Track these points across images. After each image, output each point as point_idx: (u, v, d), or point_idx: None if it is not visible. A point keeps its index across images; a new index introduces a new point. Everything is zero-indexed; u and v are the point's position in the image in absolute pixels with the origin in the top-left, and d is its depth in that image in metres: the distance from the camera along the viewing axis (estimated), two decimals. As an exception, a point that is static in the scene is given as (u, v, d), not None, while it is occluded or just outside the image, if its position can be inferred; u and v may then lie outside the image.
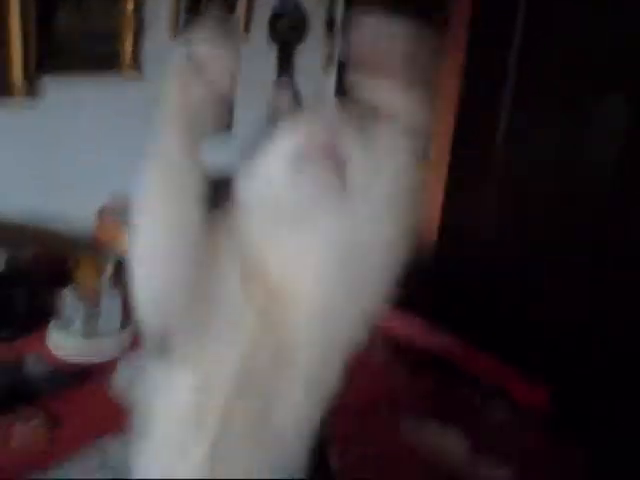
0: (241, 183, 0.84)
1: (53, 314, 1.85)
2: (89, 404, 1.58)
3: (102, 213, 2.22)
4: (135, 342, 1.80)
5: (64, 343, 1.76)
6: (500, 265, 2.33)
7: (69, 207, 2.22)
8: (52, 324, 1.82)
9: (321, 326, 0.87)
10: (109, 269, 2.04)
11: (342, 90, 0.95)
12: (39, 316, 1.83)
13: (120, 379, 1.63)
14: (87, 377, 1.65)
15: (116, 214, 2.21)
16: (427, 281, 1.99)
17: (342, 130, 0.78)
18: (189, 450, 0.89)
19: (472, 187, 2.55)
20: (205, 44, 0.76)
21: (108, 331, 1.78)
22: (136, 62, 2.35)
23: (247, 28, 2.62)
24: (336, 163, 0.76)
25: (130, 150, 2.24)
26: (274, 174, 0.79)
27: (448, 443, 1.55)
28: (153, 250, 0.83)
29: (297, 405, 0.90)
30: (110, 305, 1.77)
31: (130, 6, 2.28)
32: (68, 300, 1.78)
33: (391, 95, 0.75)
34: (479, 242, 2.44)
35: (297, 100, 0.91)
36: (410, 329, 2.01)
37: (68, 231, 2.22)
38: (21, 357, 1.71)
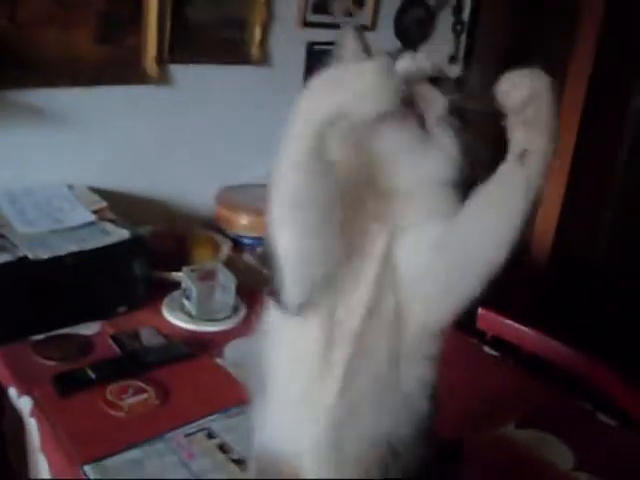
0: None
1: (170, 289, 1.88)
2: (200, 377, 1.59)
3: (221, 195, 2.25)
4: (248, 320, 1.81)
5: (179, 318, 1.78)
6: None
7: (191, 187, 2.27)
8: (168, 299, 1.85)
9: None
10: (225, 248, 2.06)
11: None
12: (156, 291, 1.86)
13: (232, 353, 1.63)
14: (199, 350, 1.66)
15: (234, 196, 2.24)
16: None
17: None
18: (314, 403, 0.92)
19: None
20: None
21: (222, 308, 1.80)
22: (264, 50, 2.36)
23: (374, 24, 2.60)
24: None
25: (253, 136, 2.30)
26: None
27: (554, 453, 1.47)
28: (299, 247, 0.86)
29: (417, 364, 0.94)
30: (226, 283, 1.78)
31: (262, -5, 2.30)
32: (185, 276, 1.80)
33: (538, 139, 0.77)
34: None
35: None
36: (519, 334, 1.95)
37: (188, 210, 2.27)
38: (137, 329, 1.74)
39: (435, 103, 0.82)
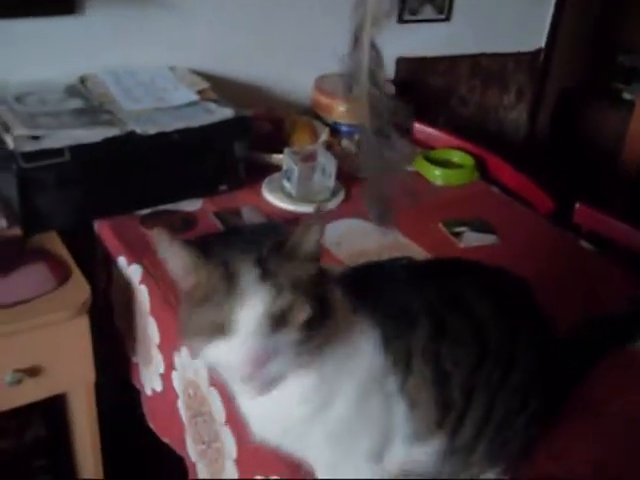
0: None
1: (268, 172, 1.90)
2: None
3: (320, 82, 2.24)
4: (346, 203, 1.82)
5: (278, 198, 1.80)
6: None
7: (289, 73, 2.26)
8: (268, 180, 1.87)
9: None
10: (324, 134, 2.06)
11: None
12: (255, 172, 1.88)
13: (332, 233, 1.65)
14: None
15: (333, 84, 2.22)
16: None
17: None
18: None
19: None
20: None
21: (322, 190, 1.81)
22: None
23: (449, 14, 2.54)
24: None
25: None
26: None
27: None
28: None
29: None
30: (326, 166, 1.79)
31: None
32: (286, 157, 1.81)
33: None
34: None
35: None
36: (614, 229, 1.91)
37: (286, 96, 2.27)
38: (239, 208, 1.77)
39: None
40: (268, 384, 0.82)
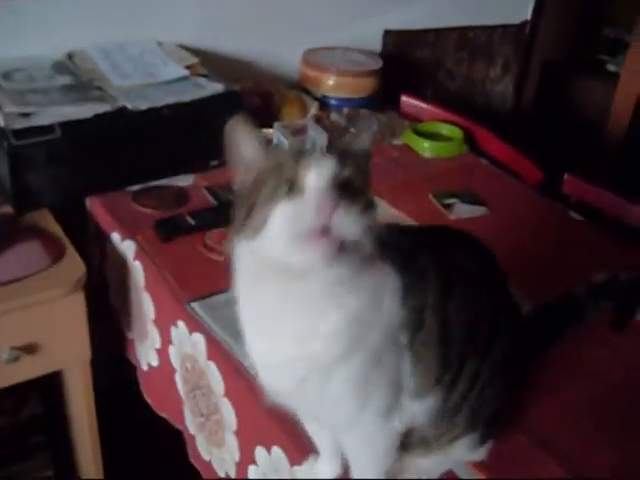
0: None
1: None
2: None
3: (308, 55, 2.23)
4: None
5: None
6: None
7: (277, 48, 2.26)
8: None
9: None
10: (313, 108, 2.06)
11: None
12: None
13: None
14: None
15: (321, 58, 2.23)
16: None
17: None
18: None
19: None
20: None
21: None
22: None
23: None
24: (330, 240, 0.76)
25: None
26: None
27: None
28: None
29: None
30: (317, 139, 1.79)
31: None
32: (276, 131, 1.81)
33: None
34: None
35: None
36: (602, 199, 1.94)
37: (275, 70, 2.26)
38: (229, 182, 1.77)
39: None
40: (334, 247, 0.76)
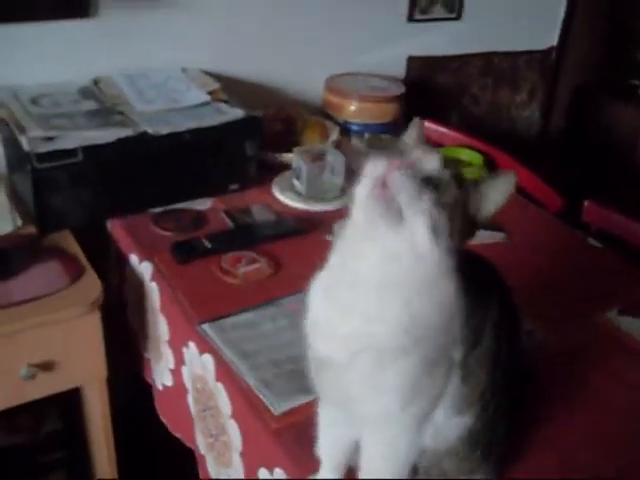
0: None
1: (279, 170, 1.93)
2: (310, 251, 1.64)
3: (330, 81, 2.27)
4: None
5: (288, 197, 1.83)
6: None
7: (300, 73, 2.30)
8: (278, 179, 1.91)
9: None
10: (334, 133, 2.09)
11: None
12: (266, 171, 1.92)
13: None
14: (309, 228, 1.71)
15: (343, 83, 2.26)
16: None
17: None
18: None
19: None
20: None
21: (331, 188, 1.84)
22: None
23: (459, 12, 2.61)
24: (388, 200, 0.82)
25: (363, 25, 2.30)
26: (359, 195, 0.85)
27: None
28: None
29: None
30: (335, 164, 1.82)
31: None
32: (296, 156, 1.84)
33: None
34: None
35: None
36: (623, 226, 1.93)
37: (298, 95, 2.30)
38: (249, 206, 1.81)
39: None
40: (387, 197, 0.82)
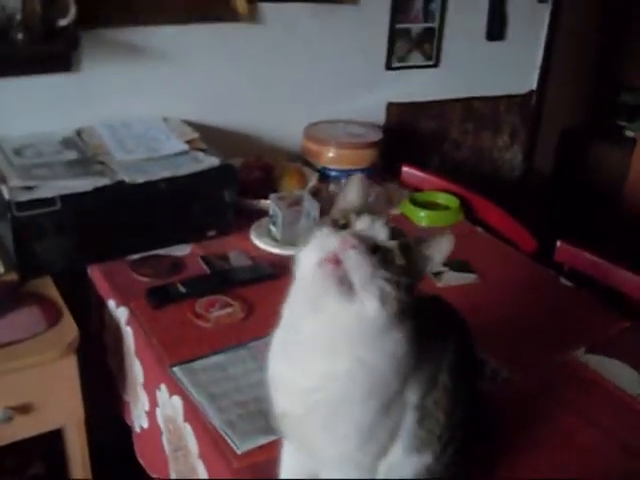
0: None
1: (258, 216, 1.98)
2: (282, 293, 1.68)
3: (309, 129, 2.33)
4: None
5: (265, 242, 1.88)
6: None
7: (279, 122, 2.37)
8: (256, 225, 1.96)
9: None
10: (313, 179, 2.15)
11: None
12: (245, 217, 1.97)
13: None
14: (284, 272, 1.74)
15: (321, 131, 2.32)
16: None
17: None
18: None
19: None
20: None
21: (307, 233, 1.88)
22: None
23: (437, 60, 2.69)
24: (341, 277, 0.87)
25: (341, 73, 2.37)
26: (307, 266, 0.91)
27: (623, 379, 1.51)
28: None
29: None
30: (311, 210, 1.86)
31: None
32: (272, 203, 1.89)
33: None
34: None
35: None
36: (595, 265, 1.94)
37: (277, 143, 2.36)
38: (226, 252, 1.86)
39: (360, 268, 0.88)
40: (337, 276, 0.86)
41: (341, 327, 0.91)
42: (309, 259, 0.89)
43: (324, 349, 0.93)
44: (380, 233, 0.91)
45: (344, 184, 1.03)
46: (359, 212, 0.94)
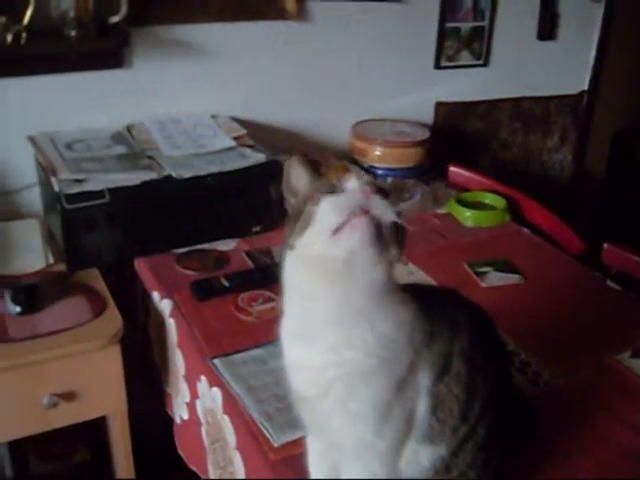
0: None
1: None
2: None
3: (356, 127, 2.34)
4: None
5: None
6: None
7: (327, 120, 2.38)
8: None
9: None
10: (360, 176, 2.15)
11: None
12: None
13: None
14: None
15: (368, 129, 2.33)
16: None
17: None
18: None
19: None
20: None
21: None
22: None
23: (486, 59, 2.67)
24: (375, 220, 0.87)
25: (389, 72, 2.37)
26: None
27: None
28: None
29: None
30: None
31: None
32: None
33: None
34: None
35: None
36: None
37: (324, 141, 2.37)
38: (270, 247, 1.87)
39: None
40: (373, 224, 0.86)
41: (363, 289, 0.91)
42: (325, 228, 0.87)
43: (338, 321, 0.92)
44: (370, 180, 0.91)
45: (285, 171, 1.00)
46: (339, 178, 0.93)
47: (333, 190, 0.90)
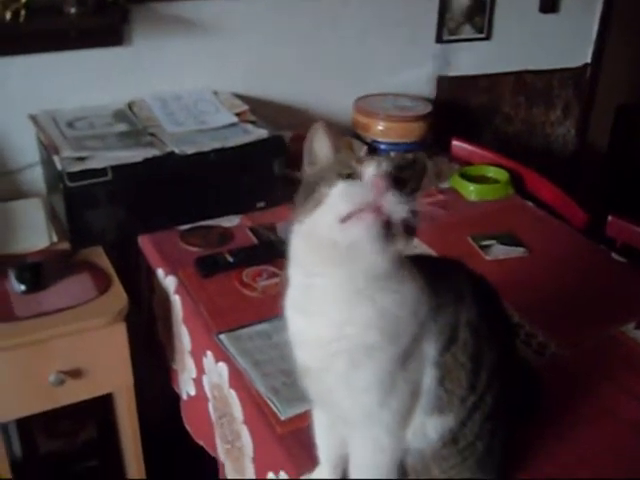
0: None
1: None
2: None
3: (359, 102, 2.33)
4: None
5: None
6: None
7: (329, 95, 2.37)
8: (303, 196, 1.96)
9: None
10: (362, 152, 2.14)
11: None
12: (294, 189, 1.97)
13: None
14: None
15: (371, 104, 2.32)
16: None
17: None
18: None
19: None
20: None
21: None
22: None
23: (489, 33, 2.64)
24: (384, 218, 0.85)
25: (392, 47, 2.35)
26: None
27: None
28: None
29: None
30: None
31: None
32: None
33: None
34: None
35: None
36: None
37: (327, 116, 2.35)
38: (274, 223, 1.87)
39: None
40: (381, 223, 0.85)
41: (366, 272, 0.90)
42: (335, 214, 0.86)
43: (343, 298, 0.92)
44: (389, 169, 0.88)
45: (308, 137, 0.98)
46: (359, 159, 0.91)
47: (350, 174, 0.88)
